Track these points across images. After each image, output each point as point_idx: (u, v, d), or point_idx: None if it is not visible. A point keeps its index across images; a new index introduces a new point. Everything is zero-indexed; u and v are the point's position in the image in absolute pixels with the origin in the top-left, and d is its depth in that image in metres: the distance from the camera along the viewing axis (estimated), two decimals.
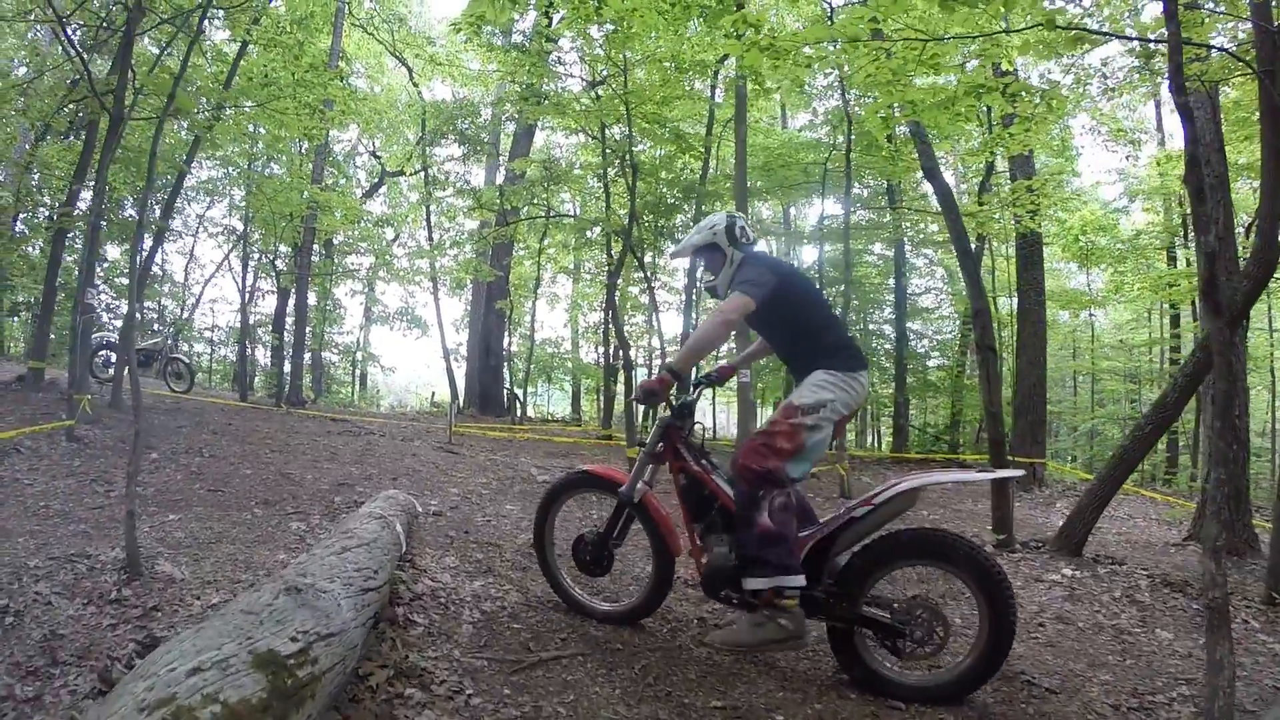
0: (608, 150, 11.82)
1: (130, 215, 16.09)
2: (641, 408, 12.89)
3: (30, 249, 15.07)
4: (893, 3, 4.50)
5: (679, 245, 3.91)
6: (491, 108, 18.45)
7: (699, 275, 14.69)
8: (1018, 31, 5.26)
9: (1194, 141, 3.06)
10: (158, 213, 13.63)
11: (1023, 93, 5.97)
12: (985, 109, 9.97)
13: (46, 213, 14.45)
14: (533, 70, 10.35)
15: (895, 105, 5.99)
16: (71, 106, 11.05)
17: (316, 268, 17.93)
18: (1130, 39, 5.74)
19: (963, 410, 16.56)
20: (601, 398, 20.22)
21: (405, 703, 2.62)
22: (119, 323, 16.56)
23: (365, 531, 3.59)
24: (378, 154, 22.59)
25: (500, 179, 18.38)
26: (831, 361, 3.24)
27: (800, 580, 3.02)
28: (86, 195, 10.49)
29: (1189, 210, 14.13)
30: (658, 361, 21.16)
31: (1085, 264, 17.02)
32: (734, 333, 10.04)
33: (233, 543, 4.44)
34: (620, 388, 13.83)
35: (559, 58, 12.57)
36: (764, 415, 15.50)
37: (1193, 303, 14.71)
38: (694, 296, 15.35)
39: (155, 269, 18.94)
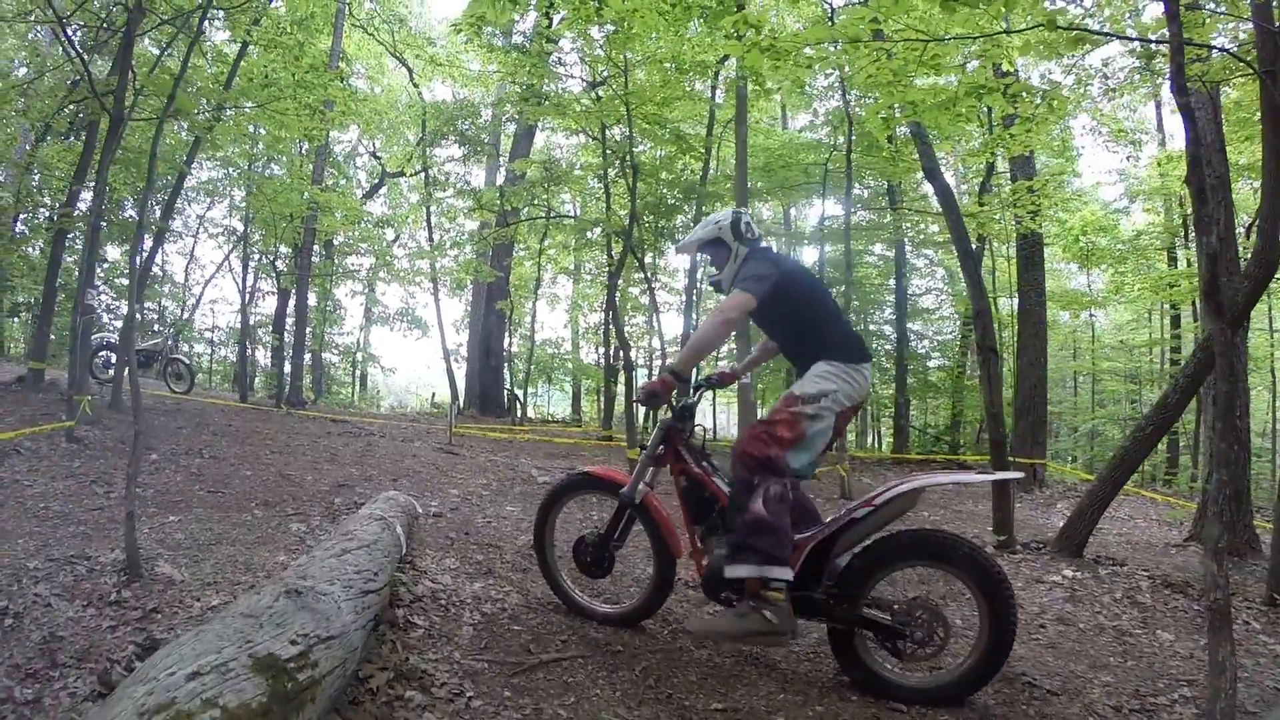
0: (608, 151, 11.81)
1: (130, 216, 16.10)
2: (642, 409, 12.89)
3: (30, 249, 15.07)
4: (894, 3, 4.49)
5: (684, 240, 3.91)
6: (492, 108, 18.46)
7: (699, 276, 14.72)
8: (1019, 32, 5.25)
9: (1196, 142, 3.06)
10: (158, 213, 13.64)
11: (1024, 93, 5.97)
12: (986, 110, 9.97)
13: (47, 213, 14.45)
14: (533, 71, 10.34)
15: (896, 106, 5.97)
16: (72, 107, 11.06)
17: (317, 268, 17.94)
18: (1131, 39, 5.73)
19: (963, 411, 16.56)
20: (602, 398, 20.22)
21: (405, 705, 2.62)
22: (119, 323, 16.57)
23: (365, 533, 3.58)
24: (378, 155, 22.59)
25: (500, 180, 18.38)
26: (834, 353, 3.23)
27: (788, 574, 2.98)
28: (87, 196, 10.50)
29: (1189, 211, 14.16)
30: (658, 362, 21.16)
31: (1086, 264, 17.02)
32: (734, 333, 10.06)
33: (233, 544, 4.43)
34: (620, 388, 13.82)
35: (559, 58, 12.58)
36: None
37: (1193, 303, 14.71)
38: (694, 297, 15.35)
39: (155, 270, 18.95)
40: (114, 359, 10.90)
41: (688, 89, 12.46)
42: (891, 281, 17.83)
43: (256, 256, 19.09)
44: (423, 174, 20.33)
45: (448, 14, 37.75)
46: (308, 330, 17.13)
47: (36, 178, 12.89)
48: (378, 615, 3.02)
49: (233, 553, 4.25)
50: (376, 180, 22.35)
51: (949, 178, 13.69)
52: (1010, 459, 8.91)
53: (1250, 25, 4.49)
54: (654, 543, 3.58)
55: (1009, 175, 12.59)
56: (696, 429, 3.56)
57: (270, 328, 18.72)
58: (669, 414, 3.51)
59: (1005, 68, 5.99)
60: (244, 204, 15.36)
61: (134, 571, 3.63)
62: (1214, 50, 5.43)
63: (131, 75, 7.08)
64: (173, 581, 3.67)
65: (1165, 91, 10.31)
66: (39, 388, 9.17)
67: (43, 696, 2.59)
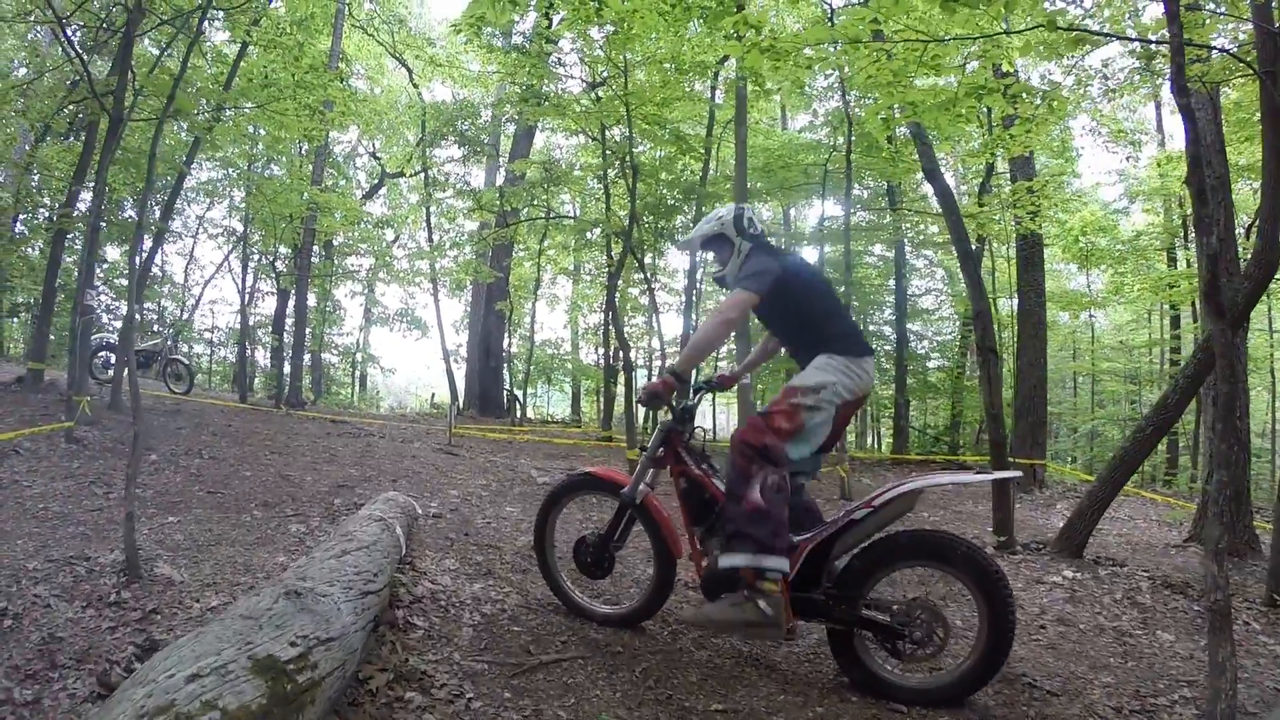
0: (608, 151, 11.81)
1: (130, 216, 16.09)
2: (642, 410, 12.89)
3: (30, 250, 15.06)
4: (894, 4, 4.49)
5: (687, 237, 3.90)
6: (491, 109, 18.45)
7: (699, 277, 14.72)
8: (1019, 33, 5.25)
9: (1196, 143, 3.06)
10: (157, 214, 13.64)
11: (1024, 94, 5.97)
12: (986, 110, 9.96)
13: (46, 214, 14.43)
14: (533, 71, 10.34)
15: (896, 106, 5.97)
16: (71, 107, 11.05)
17: (316, 269, 17.94)
18: (1131, 40, 5.73)
19: (963, 411, 16.56)
20: (601, 399, 20.22)
21: (405, 706, 2.61)
22: (118, 324, 16.57)
23: (365, 534, 3.58)
24: (378, 155, 22.60)
25: (500, 180, 18.38)
26: (835, 347, 3.22)
27: (784, 564, 2.95)
28: (86, 196, 10.49)
29: (1189, 211, 14.18)
30: (658, 363, 21.17)
31: (1085, 265, 17.03)
32: (734, 333, 10.05)
33: (232, 545, 4.43)
34: (620, 389, 13.82)
35: (559, 59, 12.58)
36: None
37: (1193, 304, 14.72)
38: (694, 298, 15.34)
39: (155, 270, 18.95)
40: (113, 359, 10.90)
41: (687, 89, 12.46)
42: (891, 282, 17.82)
43: (256, 257, 19.12)
44: (422, 174, 20.34)
45: (447, 14, 37.81)
46: (307, 331, 17.13)
47: (36, 178, 12.88)
48: (377, 616, 3.02)
49: (232, 554, 4.24)
50: (376, 181, 22.36)
51: (949, 178, 13.67)
52: (1010, 460, 8.90)
53: (1250, 26, 4.49)
54: (654, 543, 3.58)
55: (1009, 176, 12.59)
56: (697, 431, 3.55)
57: (270, 328, 18.72)
58: (669, 416, 3.51)
59: (1005, 68, 6.00)
60: (243, 204, 15.36)
61: (133, 572, 3.63)
62: (1214, 51, 5.43)
63: (131, 75, 7.07)
64: (172, 582, 3.66)
65: (1165, 92, 10.31)
66: (38, 388, 9.16)
67: (42, 698, 2.59)
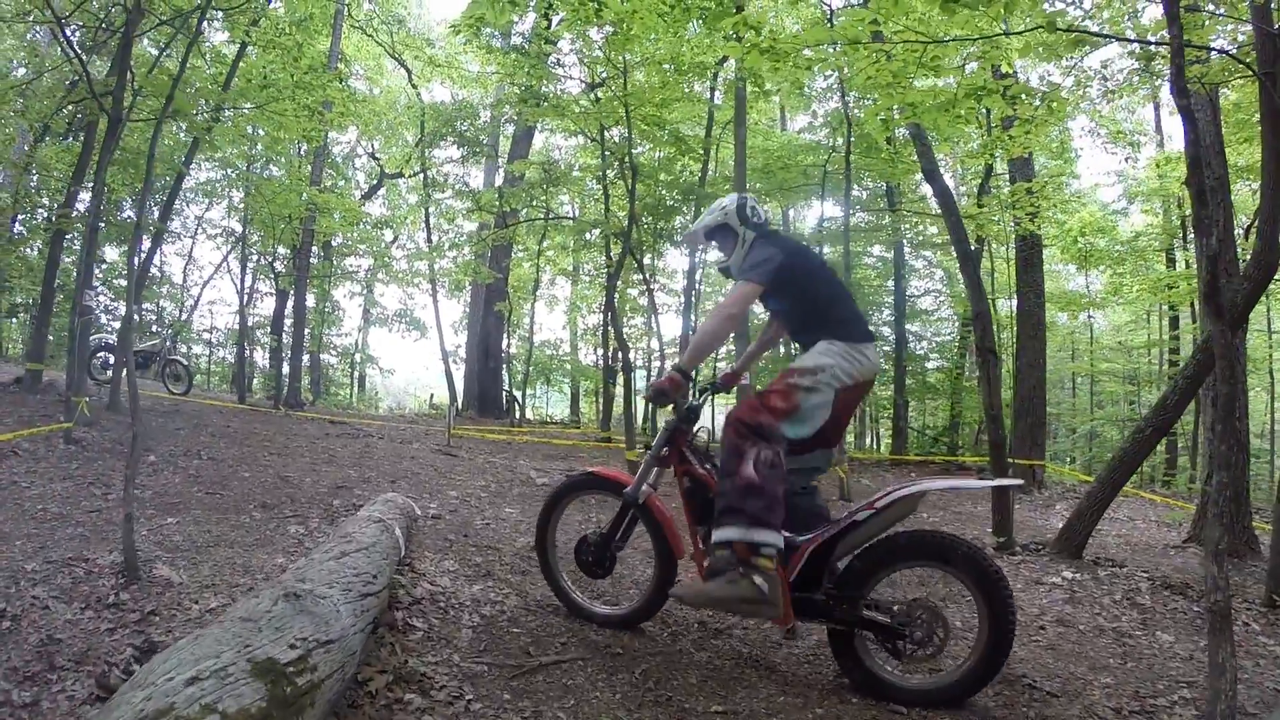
0: (607, 152, 11.81)
1: (129, 217, 16.08)
2: (641, 411, 12.90)
3: (29, 250, 15.04)
4: (894, 4, 4.50)
5: (690, 228, 3.90)
6: (490, 109, 18.48)
7: (698, 277, 14.72)
8: (1018, 34, 5.26)
9: (1195, 144, 3.06)
10: (156, 214, 13.62)
11: (1023, 95, 5.97)
12: (985, 111, 9.98)
13: (45, 214, 14.42)
14: (532, 72, 10.34)
15: (895, 107, 5.97)
16: (70, 108, 11.03)
17: (315, 269, 17.92)
18: (1131, 41, 5.74)
19: (962, 412, 16.56)
20: (600, 400, 20.22)
21: (405, 708, 2.61)
22: (117, 324, 16.56)
23: (364, 535, 3.57)
24: (376, 156, 22.59)
25: (499, 181, 18.39)
26: (836, 333, 3.21)
27: (777, 539, 2.92)
28: (85, 196, 10.47)
29: (1188, 212, 14.19)
30: (657, 364, 21.18)
31: (1084, 266, 17.04)
32: (734, 334, 10.03)
33: (231, 546, 4.42)
34: (619, 390, 13.80)
35: (558, 60, 12.57)
36: None
37: (1192, 304, 14.73)
38: (693, 298, 15.34)
39: (153, 270, 18.95)
40: (112, 360, 10.90)
41: (687, 90, 12.45)
42: (890, 283, 17.82)
43: (255, 257, 19.11)
44: (421, 175, 20.34)
45: (446, 15, 37.81)
46: (306, 331, 17.11)
47: (35, 178, 12.86)
48: (377, 618, 3.02)
49: (231, 555, 4.24)
50: (375, 181, 22.36)
51: (948, 179, 13.67)
52: (1009, 460, 8.91)
53: (1249, 27, 4.49)
54: (656, 543, 3.57)
55: (1008, 177, 12.59)
56: (700, 431, 3.55)
57: (268, 329, 18.73)
58: (674, 415, 3.50)
59: (1004, 69, 6.00)
60: (242, 205, 15.34)
61: (132, 574, 3.62)
62: (1213, 52, 5.44)
63: (130, 76, 7.07)
64: (171, 584, 3.66)
65: (1164, 93, 10.33)
66: (37, 389, 9.15)
67: (41, 699, 2.58)
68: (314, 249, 17.19)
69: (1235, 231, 7.49)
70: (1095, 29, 5.72)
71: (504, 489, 7.25)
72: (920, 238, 17.61)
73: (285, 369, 15.49)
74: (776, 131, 18.43)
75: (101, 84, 7.93)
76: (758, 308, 3.84)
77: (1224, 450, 3.00)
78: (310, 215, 13.86)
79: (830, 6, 11.83)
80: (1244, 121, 8.84)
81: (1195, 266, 10.85)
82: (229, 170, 16.16)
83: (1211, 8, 5.36)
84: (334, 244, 20.58)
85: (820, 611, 3.09)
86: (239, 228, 17.60)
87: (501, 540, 5.15)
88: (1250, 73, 4.67)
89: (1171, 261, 16.13)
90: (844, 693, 3.09)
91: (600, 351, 20.31)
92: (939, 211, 9.65)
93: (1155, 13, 6.21)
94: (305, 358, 18.05)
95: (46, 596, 3.36)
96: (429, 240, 20.86)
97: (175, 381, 12.04)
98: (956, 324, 18.13)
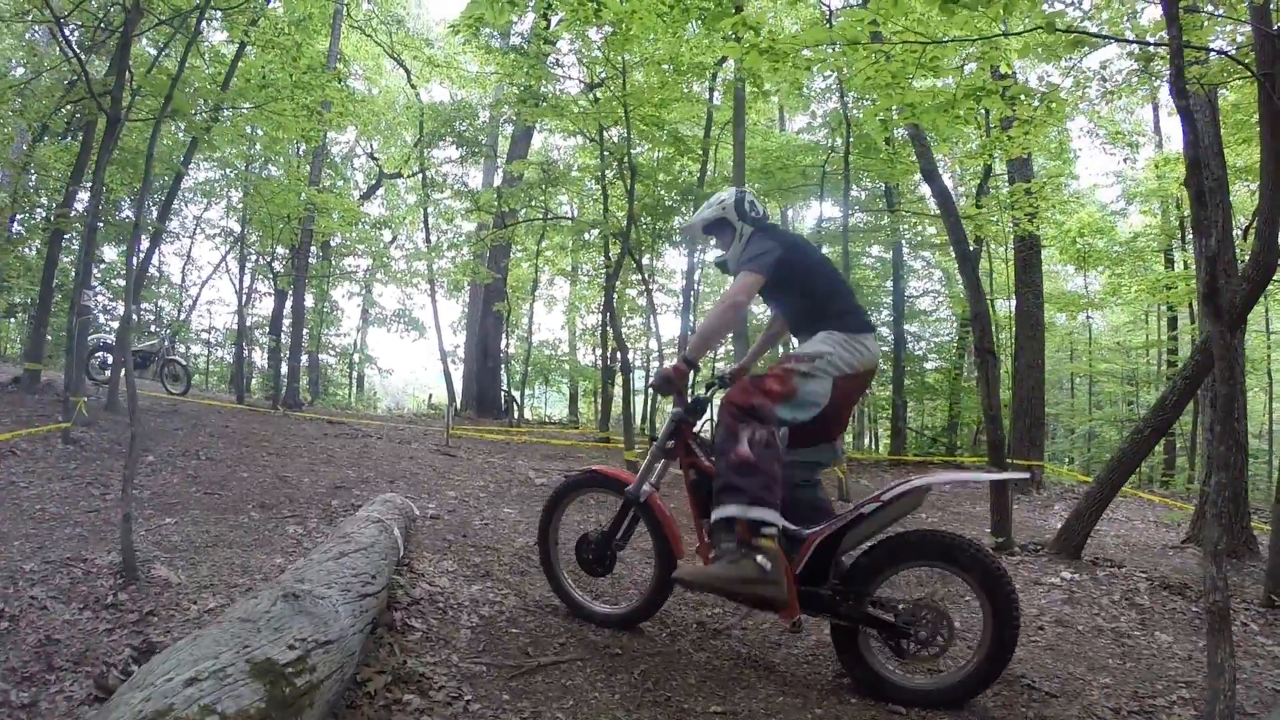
0: (606, 152, 11.81)
1: (127, 216, 16.06)
2: (640, 412, 12.89)
3: (27, 250, 15.02)
4: (893, 5, 4.50)
5: (688, 222, 3.90)
6: (489, 110, 18.46)
7: (696, 278, 14.72)
8: (1017, 34, 5.26)
9: (1194, 145, 3.06)
10: (155, 214, 13.61)
11: (1022, 95, 5.98)
12: (984, 112, 9.98)
13: (43, 214, 14.40)
14: (531, 72, 10.34)
15: (894, 108, 5.98)
16: (69, 107, 11.02)
17: (314, 269, 17.92)
18: (1130, 42, 5.74)
19: (960, 412, 16.58)
20: (599, 400, 20.20)
21: (404, 709, 2.61)
22: (115, 324, 16.55)
23: (363, 536, 3.57)
24: (375, 156, 22.58)
25: (498, 181, 18.38)
26: (834, 323, 3.21)
27: (775, 517, 2.91)
28: (83, 196, 10.45)
29: (1186, 213, 14.21)
30: (655, 364, 21.16)
31: (1083, 266, 17.04)
32: (731, 334, 10.02)
33: (229, 546, 4.42)
34: (618, 390, 13.80)
35: (557, 60, 12.57)
36: None
37: (1190, 305, 14.75)
38: (691, 299, 15.33)
39: (152, 270, 18.93)
40: (110, 360, 10.89)
41: (686, 91, 12.46)
42: (889, 283, 17.83)
43: (253, 258, 19.09)
44: (420, 175, 20.33)
45: (445, 15, 37.81)
46: (304, 331, 17.11)
47: (33, 178, 12.83)
48: (375, 618, 3.01)
49: (229, 555, 4.23)
50: (374, 181, 22.35)
51: (947, 180, 13.69)
52: (1008, 461, 8.91)
53: (1249, 28, 4.49)
54: (656, 543, 3.57)
55: (1007, 177, 12.61)
56: (707, 426, 3.54)
57: (267, 329, 18.71)
58: (678, 407, 3.49)
59: (1003, 70, 5.99)
60: (241, 205, 15.34)
61: (130, 574, 3.62)
62: (1212, 53, 5.44)
63: (129, 75, 7.06)
64: (169, 584, 3.65)
65: (1163, 94, 10.34)
66: (35, 389, 9.14)
67: (39, 700, 2.58)
68: (312, 249, 17.19)
69: (1234, 232, 7.51)
70: (1094, 30, 5.72)
71: (502, 489, 7.24)
72: (919, 238, 17.63)
73: (284, 369, 15.49)
74: (775, 132, 18.43)
75: (100, 84, 7.93)
76: (760, 308, 3.85)
77: (1223, 451, 3.00)
78: (309, 215, 13.85)
79: (829, 7, 11.85)
80: (1243, 122, 8.85)
81: (1194, 267, 10.87)
82: (228, 170, 16.16)
83: (1210, 9, 5.37)
84: (333, 244, 20.57)
85: (825, 606, 3.08)
86: (237, 228, 17.61)
87: (500, 540, 5.14)
88: (1249, 74, 4.67)
89: (1170, 262, 16.15)
90: (843, 693, 3.09)
91: (599, 352, 20.32)
92: (938, 212, 9.66)
93: (1154, 13, 6.21)
94: (304, 358, 18.07)
95: (45, 597, 3.36)
96: (428, 240, 20.87)
97: (174, 381, 12.03)
98: (955, 324, 18.15)
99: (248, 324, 18.71)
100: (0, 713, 2.47)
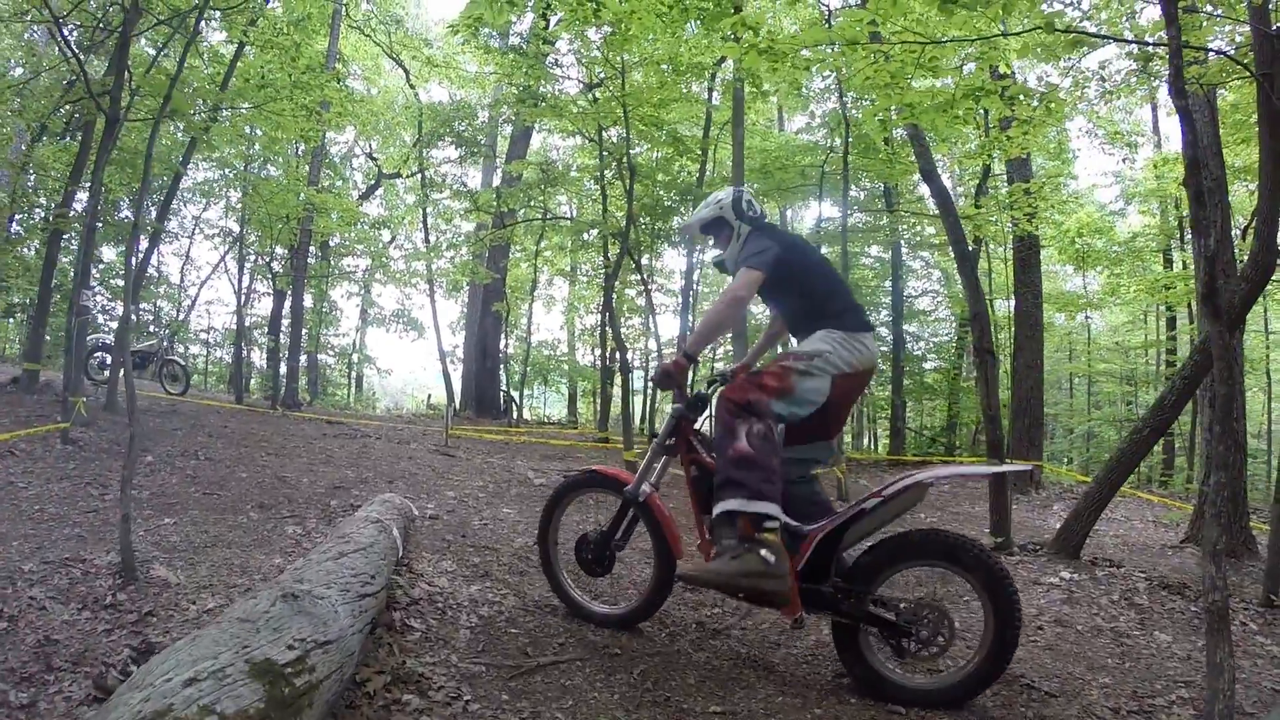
0: (605, 152, 11.81)
1: (126, 216, 16.07)
2: (639, 412, 12.89)
3: (26, 250, 15.02)
4: (892, 5, 4.49)
5: (686, 221, 3.89)
6: (488, 110, 18.45)
7: (695, 278, 14.72)
8: (1017, 35, 5.26)
9: (1194, 145, 3.06)
10: (153, 214, 13.60)
11: (1021, 96, 5.97)
12: (983, 112, 9.99)
13: (42, 214, 14.40)
14: (530, 72, 10.34)
15: (893, 108, 5.98)
16: (68, 107, 11.02)
17: (313, 269, 17.91)
18: (1129, 42, 5.74)
19: (959, 412, 16.58)
20: (598, 400, 20.20)
21: (403, 709, 2.61)
22: (114, 324, 16.54)
23: (362, 536, 3.57)
24: (374, 156, 22.57)
25: (497, 181, 18.39)
26: (833, 322, 3.21)
27: (777, 510, 2.91)
28: (82, 196, 10.45)
29: (1185, 213, 14.21)
30: (654, 364, 21.14)
31: (1082, 266, 17.05)
32: (729, 333, 10.01)
33: (228, 546, 4.41)
34: (617, 390, 13.79)
35: (556, 60, 12.58)
36: None
37: (1189, 305, 14.76)
38: (690, 299, 15.34)
39: (151, 271, 18.91)
40: (109, 360, 10.88)
41: (685, 91, 12.47)
42: (888, 283, 17.85)
43: (252, 258, 19.09)
44: (419, 175, 20.31)
45: (444, 15, 37.81)
46: (303, 331, 17.11)
47: (32, 178, 12.82)
48: (375, 619, 3.01)
49: (228, 555, 4.23)
50: (373, 181, 22.35)
51: (945, 180, 13.70)
52: (1007, 460, 8.90)
53: (1248, 28, 4.49)
54: (655, 543, 3.56)
55: (1006, 177, 12.61)
56: (707, 423, 3.54)
57: (266, 329, 18.69)
58: (678, 403, 3.49)
59: (1002, 70, 5.99)
60: (240, 205, 15.34)
61: (129, 574, 3.62)
62: (1211, 53, 5.44)
63: (128, 75, 7.06)
64: (168, 584, 3.65)
65: (1162, 94, 10.34)
66: (34, 389, 9.14)
67: (38, 701, 2.57)
68: (311, 249, 17.18)
69: (1233, 232, 7.51)
70: (1093, 30, 5.72)
71: (501, 489, 7.24)
72: (918, 238, 17.63)
73: (283, 369, 15.48)
74: (774, 132, 18.44)
75: (99, 84, 7.92)
76: (760, 308, 3.86)
77: (1221, 450, 3.00)
78: (308, 215, 13.85)
79: (828, 7, 11.86)
80: (1241, 122, 8.84)
81: (1193, 267, 10.87)
82: (226, 170, 16.15)
83: (1210, 9, 5.37)
84: (331, 244, 20.57)
85: (827, 604, 3.07)
86: (236, 228, 17.61)
87: (499, 541, 5.14)
88: (1248, 74, 4.68)
89: (1169, 262, 16.16)
90: (842, 693, 3.09)
91: (598, 352, 20.30)
92: (937, 212, 9.65)
93: (1153, 14, 6.22)
94: (303, 358, 18.06)
95: (44, 597, 3.35)
96: (426, 240, 20.86)
97: (172, 382, 12.03)
98: (954, 324, 18.15)
99: (246, 324, 18.70)
100: (0, 713, 2.47)
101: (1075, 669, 3.57)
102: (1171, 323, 16.41)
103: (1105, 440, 17.47)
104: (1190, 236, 13.62)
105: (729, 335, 10.62)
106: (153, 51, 10.07)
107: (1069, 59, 6.89)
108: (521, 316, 21.54)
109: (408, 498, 5.75)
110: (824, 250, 16.74)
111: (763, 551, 2.86)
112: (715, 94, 14.57)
